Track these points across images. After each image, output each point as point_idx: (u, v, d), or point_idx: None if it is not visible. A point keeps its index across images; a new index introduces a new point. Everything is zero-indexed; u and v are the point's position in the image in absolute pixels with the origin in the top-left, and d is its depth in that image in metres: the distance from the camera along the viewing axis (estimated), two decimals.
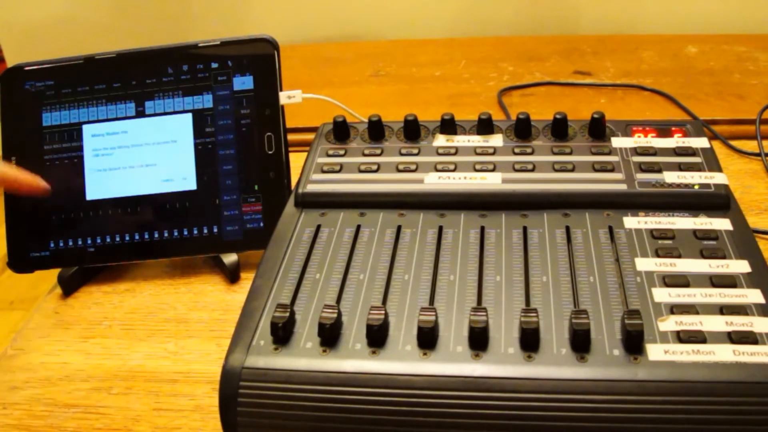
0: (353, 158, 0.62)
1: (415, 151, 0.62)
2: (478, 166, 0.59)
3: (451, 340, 0.45)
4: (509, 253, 0.52)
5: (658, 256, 0.51)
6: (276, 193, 0.67)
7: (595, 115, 0.61)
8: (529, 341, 0.44)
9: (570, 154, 0.60)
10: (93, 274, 0.69)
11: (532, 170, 0.58)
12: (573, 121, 0.62)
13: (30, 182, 0.66)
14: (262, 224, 0.67)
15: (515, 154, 0.60)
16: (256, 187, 0.68)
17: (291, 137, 0.70)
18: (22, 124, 0.69)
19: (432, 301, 0.49)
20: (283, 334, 0.46)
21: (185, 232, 0.67)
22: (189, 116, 0.69)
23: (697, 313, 0.46)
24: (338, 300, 0.49)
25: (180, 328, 0.62)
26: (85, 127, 0.69)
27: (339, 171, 0.60)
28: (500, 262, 0.51)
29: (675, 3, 1.08)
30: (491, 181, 0.58)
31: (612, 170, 0.58)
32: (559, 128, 0.62)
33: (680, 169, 0.57)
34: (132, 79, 0.69)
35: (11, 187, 0.66)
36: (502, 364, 0.43)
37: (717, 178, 0.56)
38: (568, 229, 0.54)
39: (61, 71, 0.70)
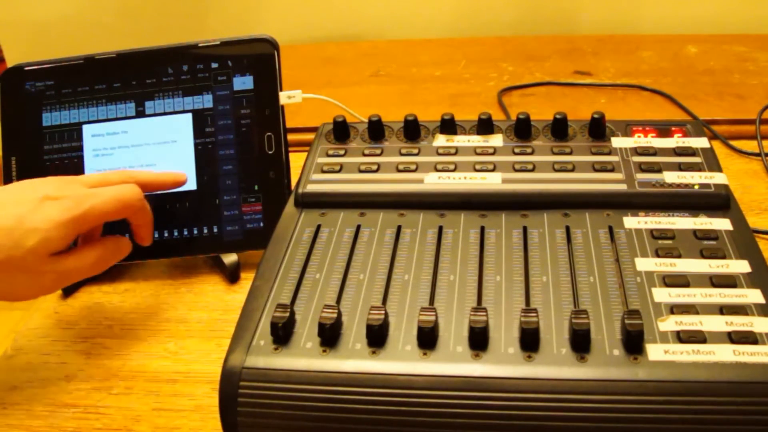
0: (353, 158, 0.62)
1: (415, 151, 0.62)
2: (478, 166, 0.59)
3: (451, 340, 0.45)
4: (509, 253, 0.52)
5: (658, 256, 0.51)
6: (276, 193, 0.67)
7: (595, 115, 0.61)
8: (529, 341, 0.44)
9: (570, 154, 0.60)
10: None
11: (532, 170, 0.58)
12: (573, 121, 0.62)
13: (172, 181, 0.65)
14: (262, 224, 0.67)
15: (515, 154, 0.60)
16: (256, 187, 0.67)
17: (291, 137, 0.70)
18: (22, 124, 0.69)
19: (432, 301, 0.49)
20: (283, 334, 0.46)
21: (185, 232, 0.67)
22: (189, 116, 0.69)
23: (697, 313, 0.46)
24: (338, 300, 0.49)
25: (180, 328, 0.62)
26: (85, 127, 0.69)
27: (339, 171, 0.60)
28: (500, 262, 0.51)
29: (675, 3, 1.08)
30: (491, 181, 0.58)
31: (612, 170, 0.58)
32: (559, 128, 0.62)
33: (680, 169, 0.57)
34: (132, 79, 0.69)
35: (157, 189, 0.64)
36: (502, 364, 0.43)
37: (717, 178, 0.56)
38: (568, 229, 0.54)
39: (61, 71, 0.70)
